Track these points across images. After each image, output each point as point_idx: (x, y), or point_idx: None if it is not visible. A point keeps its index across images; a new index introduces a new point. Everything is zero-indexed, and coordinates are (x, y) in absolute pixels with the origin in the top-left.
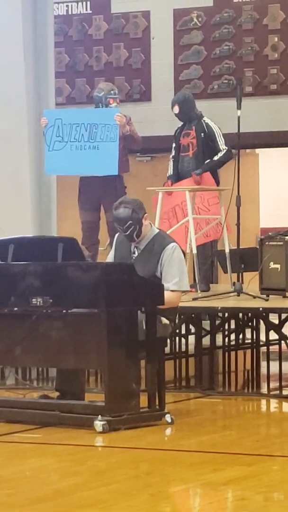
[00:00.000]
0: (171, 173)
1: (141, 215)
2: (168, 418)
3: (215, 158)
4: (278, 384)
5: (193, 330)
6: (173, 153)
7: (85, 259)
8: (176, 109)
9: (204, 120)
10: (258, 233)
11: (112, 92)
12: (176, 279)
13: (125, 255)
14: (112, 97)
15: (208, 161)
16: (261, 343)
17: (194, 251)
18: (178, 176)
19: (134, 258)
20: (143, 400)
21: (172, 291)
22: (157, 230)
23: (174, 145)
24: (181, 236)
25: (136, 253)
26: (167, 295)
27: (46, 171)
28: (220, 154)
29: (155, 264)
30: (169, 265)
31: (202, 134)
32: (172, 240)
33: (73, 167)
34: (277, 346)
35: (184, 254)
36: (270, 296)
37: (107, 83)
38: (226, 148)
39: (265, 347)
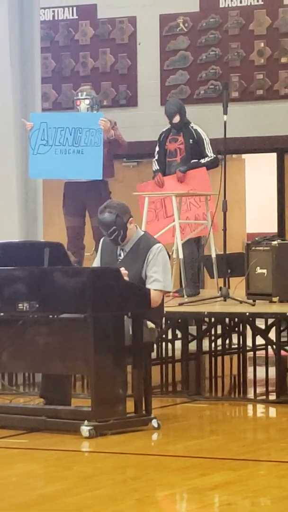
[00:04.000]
0: (157, 168)
1: (126, 219)
2: (154, 423)
3: (202, 161)
4: (264, 389)
5: (179, 335)
6: (156, 156)
7: (71, 264)
8: (177, 118)
9: (192, 127)
10: (244, 238)
11: (79, 94)
12: (159, 279)
13: (111, 258)
14: (78, 98)
15: (194, 161)
16: (247, 348)
17: (181, 256)
18: (164, 174)
19: (120, 260)
20: (130, 405)
21: (154, 290)
22: (142, 232)
23: (157, 149)
24: (168, 233)
25: (122, 255)
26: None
27: (30, 174)
28: (206, 159)
29: (141, 265)
30: (153, 265)
31: (191, 140)
32: (158, 241)
33: (57, 171)
34: (263, 351)
35: (169, 255)
36: (256, 301)
37: (86, 86)
38: (214, 156)
39: (252, 352)
